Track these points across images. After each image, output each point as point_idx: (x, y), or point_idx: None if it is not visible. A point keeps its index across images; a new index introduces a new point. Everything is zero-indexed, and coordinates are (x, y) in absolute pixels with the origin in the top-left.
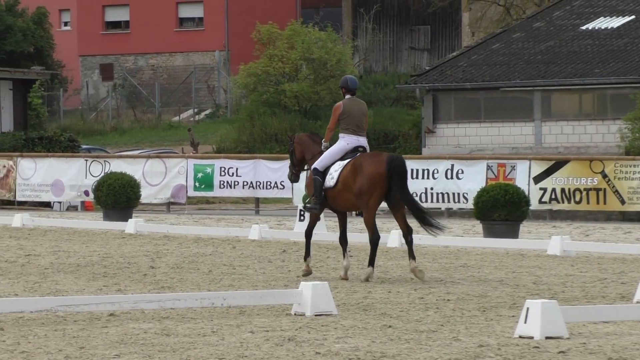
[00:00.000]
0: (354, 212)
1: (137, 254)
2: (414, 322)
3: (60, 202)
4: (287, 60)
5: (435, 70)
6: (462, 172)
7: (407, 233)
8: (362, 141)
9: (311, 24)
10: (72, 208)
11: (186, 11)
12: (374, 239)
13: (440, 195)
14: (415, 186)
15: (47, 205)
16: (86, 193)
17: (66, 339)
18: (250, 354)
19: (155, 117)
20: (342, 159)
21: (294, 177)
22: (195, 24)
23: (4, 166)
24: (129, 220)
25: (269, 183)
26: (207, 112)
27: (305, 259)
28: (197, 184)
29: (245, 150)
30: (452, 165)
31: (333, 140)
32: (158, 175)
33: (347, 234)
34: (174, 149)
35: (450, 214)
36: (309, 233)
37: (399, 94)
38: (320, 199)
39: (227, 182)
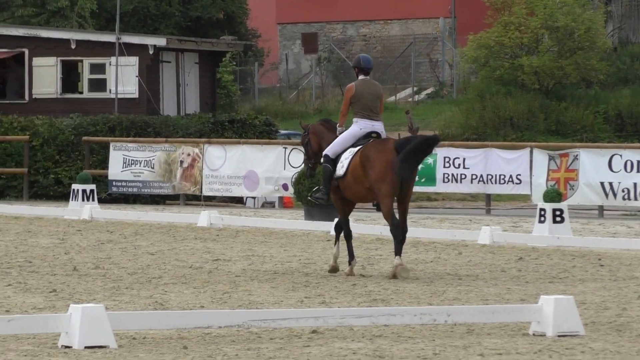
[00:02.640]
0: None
1: (345, 259)
2: None
3: (254, 198)
4: (526, 29)
5: None
6: None
7: (402, 231)
8: (377, 126)
9: None
10: (267, 205)
11: None
12: (396, 228)
13: None
14: None
15: (238, 201)
16: (285, 187)
17: (261, 359)
18: None
19: None
20: (354, 145)
21: (310, 171)
22: None
23: (189, 154)
24: (335, 220)
25: (502, 177)
26: (428, 91)
27: (349, 263)
28: (416, 177)
29: (474, 137)
30: None
31: (348, 125)
32: None
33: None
34: (390, 134)
35: None
36: (347, 234)
37: None
38: (329, 189)
39: (452, 175)
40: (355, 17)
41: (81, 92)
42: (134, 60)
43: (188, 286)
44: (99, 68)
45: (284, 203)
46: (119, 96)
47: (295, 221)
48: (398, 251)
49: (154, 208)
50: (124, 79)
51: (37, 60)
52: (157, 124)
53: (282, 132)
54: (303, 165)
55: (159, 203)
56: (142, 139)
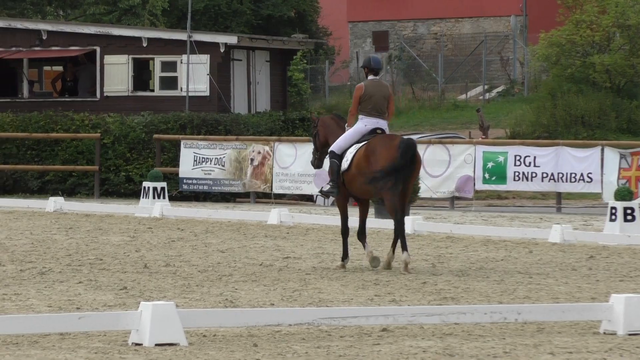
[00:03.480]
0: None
1: (415, 257)
2: None
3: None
4: (597, 27)
5: None
6: None
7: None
8: (382, 123)
9: None
10: None
11: None
12: (399, 221)
13: None
14: None
15: (309, 199)
16: None
17: (331, 357)
18: None
19: (437, 95)
20: (359, 141)
21: (317, 162)
22: None
23: (259, 152)
24: (405, 217)
25: (573, 175)
26: (499, 89)
27: (342, 259)
28: (486, 176)
29: (545, 136)
30: None
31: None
32: (440, 164)
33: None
34: (460, 133)
35: None
36: (344, 231)
37: None
38: (337, 183)
39: (523, 173)
40: (427, 15)
41: (152, 90)
42: (205, 58)
43: (258, 284)
44: (170, 66)
45: (354, 201)
46: (190, 94)
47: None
48: (404, 245)
49: (224, 206)
50: (195, 77)
51: (108, 58)
52: (228, 122)
53: None
54: (312, 157)
55: (229, 201)
56: (212, 136)
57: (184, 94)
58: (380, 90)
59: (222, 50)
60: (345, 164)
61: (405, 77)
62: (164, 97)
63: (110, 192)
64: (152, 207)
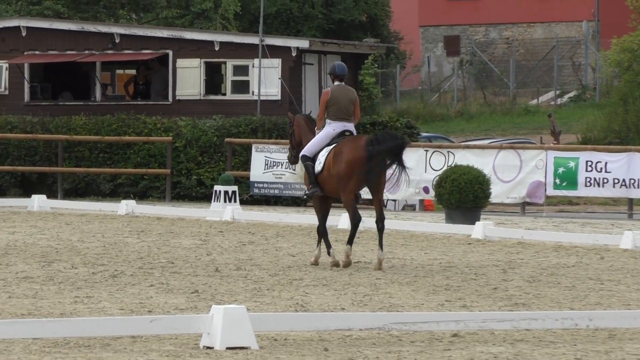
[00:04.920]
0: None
1: (486, 263)
2: None
3: (395, 201)
4: None
5: None
6: None
7: (379, 219)
8: (349, 126)
9: None
10: (408, 208)
11: None
12: (355, 220)
13: None
14: None
15: None
16: (426, 190)
17: None
18: None
19: (509, 100)
20: (329, 144)
21: (293, 159)
22: None
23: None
24: (476, 223)
25: None
26: (571, 94)
27: (328, 253)
28: (557, 181)
29: (617, 142)
30: None
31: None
32: (511, 169)
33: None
34: (531, 138)
35: None
36: (322, 231)
37: None
38: (316, 183)
39: (594, 179)
40: (498, 20)
41: (224, 94)
42: (276, 62)
43: (329, 288)
44: (242, 70)
45: (424, 206)
46: (262, 98)
47: (435, 224)
48: (351, 239)
49: (295, 210)
50: (266, 80)
51: (181, 62)
52: None
53: (424, 134)
54: (288, 152)
55: (300, 205)
56: (284, 140)
57: (255, 97)
58: (347, 94)
59: (293, 54)
60: (318, 166)
61: (477, 82)
62: (236, 101)
63: (181, 195)
64: (223, 210)
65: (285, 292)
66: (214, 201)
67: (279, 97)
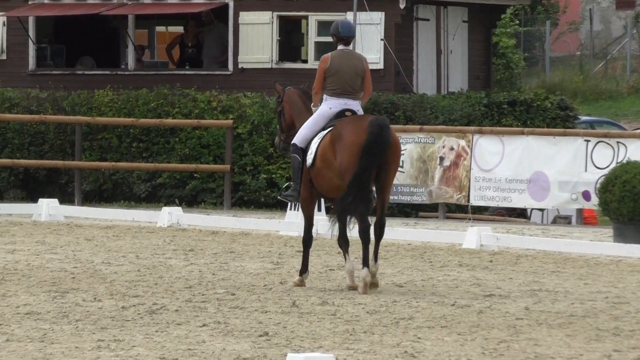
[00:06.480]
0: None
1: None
2: None
3: (542, 210)
4: None
5: None
6: None
7: (378, 224)
8: (351, 104)
9: None
10: (561, 220)
11: None
12: (363, 228)
13: None
14: None
15: (520, 214)
16: (586, 196)
17: None
18: None
19: None
20: (324, 127)
21: (282, 145)
22: None
23: (452, 149)
24: None
25: None
26: None
27: (300, 274)
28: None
29: None
30: None
31: None
32: None
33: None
34: None
35: None
36: (306, 239)
37: None
38: (299, 184)
39: None
40: None
41: (305, 61)
42: (378, 17)
43: (450, 331)
44: (329, 28)
45: (584, 218)
46: None
47: (600, 243)
48: (366, 260)
49: (402, 222)
50: (364, 43)
51: (245, 16)
52: (409, 105)
53: (584, 118)
54: (276, 137)
55: (409, 215)
56: None
57: None
58: (351, 63)
59: (402, 6)
60: (309, 157)
61: None
62: None
63: (245, 201)
64: (302, 222)
65: (389, 337)
66: (290, 210)
67: (381, 66)
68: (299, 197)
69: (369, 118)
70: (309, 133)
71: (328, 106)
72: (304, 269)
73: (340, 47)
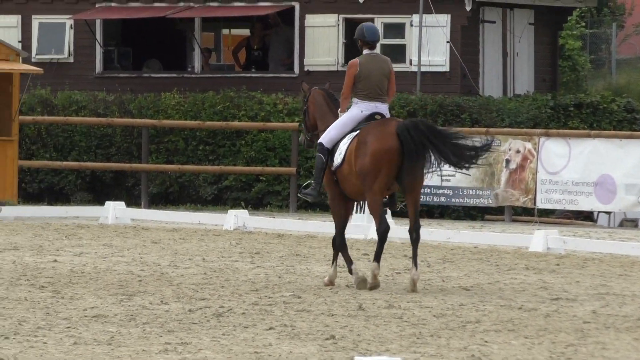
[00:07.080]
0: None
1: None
2: None
3: (609, 213)
4: None
5: None
6: None
7: (413, 229)
8: (381, 108)
9: None
10: (628, 223)
11: None
12: (382, 230)
13: None
14: None
15: (587, 217)
16: None
17: None
18: None
19: None
20: (354, 129)
21: (307, 143)
22: None
23: (518, 151)
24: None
25: None
26: None
27: (350, 273)
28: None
29: None
30: None
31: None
32: None
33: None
34: None
35: None
36: (340, 243)
37: None
38: (320, 184)
39: None
40: None
41: None
42: (444, 19)
43: (517, 335)
44: (395, 30)
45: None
46: (423, 69)
47: None
48: (378, 256)
49: (468, 225)
50: (429, 45)
51: (311, 19)
52: (475, 108)
53: None
54: (301, 135)
55: (475, 218)
56: (453, 128)
57: (414, 68)
58: (379, 66)
59: (468, 8)
60: (338, 158)
61: None
62: None
63: (311, 204)
64: (369, 225)
65: (456, 340)
66: (357, 212)
67: (446, 68)
68: (318, 196)
69: (395, 121)
70: (337, 134)
71: (360, 109)
72: (349, 263)
73: (365, 51)
